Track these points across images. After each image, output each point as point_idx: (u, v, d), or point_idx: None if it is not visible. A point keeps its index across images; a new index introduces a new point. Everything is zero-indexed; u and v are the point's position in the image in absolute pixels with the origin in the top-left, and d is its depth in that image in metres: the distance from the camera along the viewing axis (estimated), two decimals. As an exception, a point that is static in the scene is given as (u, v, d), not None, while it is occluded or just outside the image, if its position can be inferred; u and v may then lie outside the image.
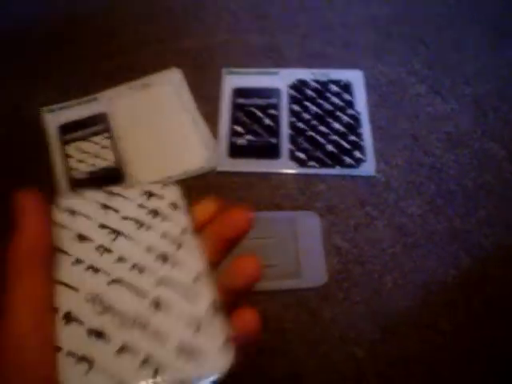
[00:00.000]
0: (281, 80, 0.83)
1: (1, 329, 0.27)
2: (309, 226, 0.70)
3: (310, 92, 0.81)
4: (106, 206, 0.35)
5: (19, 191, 0.31)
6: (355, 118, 0.79)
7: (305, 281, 0.66)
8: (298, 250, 0.67)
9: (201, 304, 0.30)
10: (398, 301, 0.66)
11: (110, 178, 0.73)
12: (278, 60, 0.85)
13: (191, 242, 0.33)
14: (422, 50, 0.86)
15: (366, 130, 0.78)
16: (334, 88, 0.82)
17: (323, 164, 0.75)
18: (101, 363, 0.27)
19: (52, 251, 0.31)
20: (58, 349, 0.27)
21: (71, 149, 0.75)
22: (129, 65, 0.84)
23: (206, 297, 0.31)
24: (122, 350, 0.27)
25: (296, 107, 0.80)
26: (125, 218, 0.34)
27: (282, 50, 0.86)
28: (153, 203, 0.36)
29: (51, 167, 0.74)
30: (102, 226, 0.33)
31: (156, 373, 0.27)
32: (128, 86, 0.81)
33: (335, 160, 0.75)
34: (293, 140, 0.77)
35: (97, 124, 0.77)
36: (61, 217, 0.33)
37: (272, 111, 0.79)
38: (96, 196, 0.36)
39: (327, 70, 0.84)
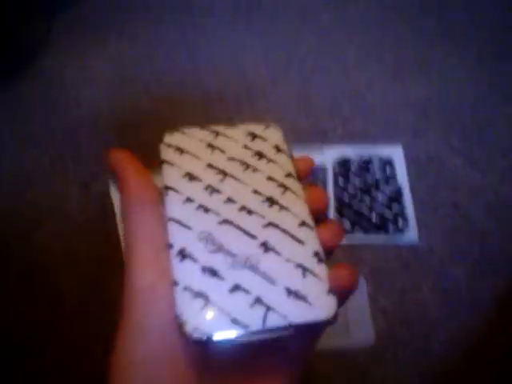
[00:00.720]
0: (326, 157, 0.89)
1: (128, 280, 0.29)
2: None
3: (353, 167, 0.87)
4: (211, 146, 0.35)
5: (111, 149, 0.33)
6: (397, 190, 0.84)
7: (354, 340, 0.69)
8: (347, 311, 0.71)
9: (307, 250, 0.30)
10: (446, 361, 0.67)
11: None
12: (324, 140, 0.92)
13: (295, 187, 0.33)
14: (458, 126, 0.91)
15: (407, 200, 0.82)
16: (376, 163, 0.88)
17: (368, 232, 0.79)
18: (215, 300, 0.27)
19: (158, 193, 0.32)
20: (175, 283, 0.28)
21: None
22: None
23: (311, 243, 0.30)
24: (235, 289, 0.28)
25: (341, 182, 0.86)
26: (231, 159, 0.34)
27: (327, 132, 0.94)
28: (257, 145, 0.35)
29: (119, 234, 0.81)
30: (210, 166, 0.33)
31: (266, 313, 0.27)
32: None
33: (380, 228, 0.80)
34: (339, 212, 0.82)
35: (158, 198, 0.85)
36: (169, 154, 0.34)
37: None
38: (201, 134, 0.36)
39: (369, 146, 0.90)
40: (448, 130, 0.91)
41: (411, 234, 0.78)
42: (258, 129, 0.37)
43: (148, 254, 0.29)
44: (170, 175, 0.33)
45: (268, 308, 0.27)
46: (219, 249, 0.29)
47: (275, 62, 1.05)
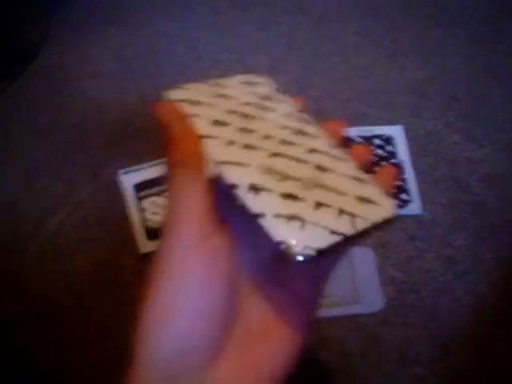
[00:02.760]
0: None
1: (168, 240, 0.30)
2: (364, 259, 0.75)
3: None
4: (222, 95, 0.35)
5: (157, 104, 0.33)
6: (399, 166, 0.87)
7: (364, 307, 0.71)
8: (356, 280, 0.73)
9: (350, 164, 0.33)
10: (454, 323, 0.70)
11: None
12: (324, 122, 0.95)
13: (311, 120, 0.36)
14: (455, 104, 0.95)
15: (409, 175, 0.85)
16: (378, 141, 0.90)
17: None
18: (309, 218, 0.29)
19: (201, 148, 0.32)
20: (260, 215, 0.28)
21: (146, 203, 0.84)
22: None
23: (349, 160, 0.34)
24: (319, 206, 0.29)
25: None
26: (246, 104, 0.35)
27: (327, 114, 0.96)
28: (260, 89, 0.37)
29: (128, 219, 0.83)
30: (231, 112, 0.34)
31: (352, 219, 0.30)
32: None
33: (383, 203, 0.82)
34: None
35: (168, 182, 0.87)
36: (188, 108, 0.34)
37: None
38: (204, 88, 0.36)
39: (370, 127, 0.93)
40: (445, 108, 0.94)
41: (414, 206, 0.81)
42: (250, 78, 0.39)
43: (198, 213, 0.30)
44: (199, 125, 0.33)
45: (352, 215, 0.30)
46: (285, 177, 0.30)
47: (274, 49, 1.08)
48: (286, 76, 1.03)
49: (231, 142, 0.32)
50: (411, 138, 0.90)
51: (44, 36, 1.14)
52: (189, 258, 0.29)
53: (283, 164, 0.31)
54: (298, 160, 0.32)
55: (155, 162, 0.90)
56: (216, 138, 0.32)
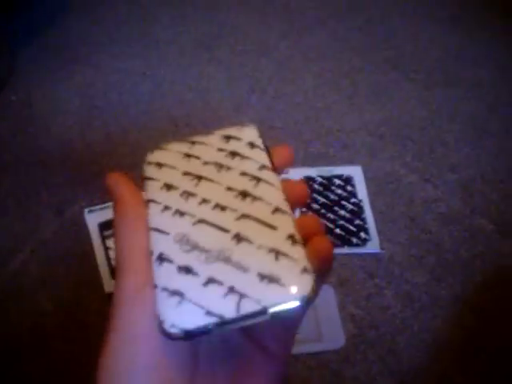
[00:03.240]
0: (290, 177, 0.94)
1: (117, 288, 0.30)
2: (325, 296, 0.78)
3: (316, 186, 0.93)
4: (188, 155, 0.36)
5: (109, 173, 0.36)
6: (358, 205, 0.90)
7: (326, 344, 0.73)
8: (318, 317, 0.75)
9: (280, 234, 0.30)
10: (413, 358, 0.72)
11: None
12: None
13: (269, 177, 0.34)
14: (411, 146, 0.99)
15: (368, 214, 0.89)
16: (338, 181, 0.94)
17: (333, 244, 0.85)
18: (190, 295, 0.28)
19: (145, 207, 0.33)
20: (155, 286, 0.29)
21: (111, 242, 0.85)
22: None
23: (284, 227, 0.31)
24: (209, 282, 0.28)
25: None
26: (206, 164, 0.35)
27: (289, 153, 0.99)
28: (231, 145, 0.36)
29: (93, 258, 0.84)
30: (186, 174, 0.35)
31: (240, 300, 0.27)
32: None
33: (343, 241, 0.85)
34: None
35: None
36: (150, 170, 0.36)
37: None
38: (180, 147, 0.37)
39: (330, 167, 0.96)
40: (402, 149, 0.99)
41: (373, 245, 0.84)
42: (232, 130, 0.38)
43: (138, 262, 0.31)
44: (151, 189, 0.34)
45: (241, 295, 0.28)
46: (194, 247, 0.30)
47: (238, 90, 1.11)
48: (250, 117, 1.06)
49: (167, 208, 0.33)
50: (370, 178, 0.94)
51: (7, 73, 1.15)
52: (131, 309, 0.30)
53: (201, 233, 0.31)
54: (220, 228, 0.31)
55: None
56: (157, 202, 0.33)
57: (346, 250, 0.84)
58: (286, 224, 0.31)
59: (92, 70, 1.17)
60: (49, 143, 1.03)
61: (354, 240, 0.85)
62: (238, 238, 0.31)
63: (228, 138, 0.37)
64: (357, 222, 0.88)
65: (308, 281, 0.28)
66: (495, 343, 0.73)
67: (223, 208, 0.32)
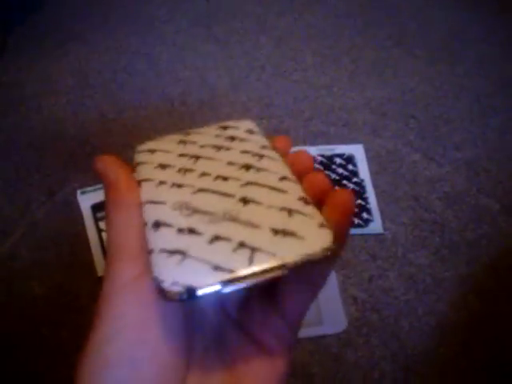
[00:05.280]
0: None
1: (109, 277, 0.28)
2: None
3: (317, 165, 0.90)
4: (183, 141, 0.34)
5: (100, 156, 0.33)
6: (360, 185, 0.87)
7: (327, 328, 0.71)
8: (319, 301, 0.73)
9: (290, 196, 0.29)
10: (416, 342, 0.70)
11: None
12: (286, 141, 0.95)
13: (272, 154, 0.32)
14: (414, 124, 0.96)
15: (370, 194, 0.86)
16: (339, 160, 0.91)
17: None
18: (194, 253, 0.25)
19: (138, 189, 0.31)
20: (150, 251, 0.26)
21: (104, 224, 0.82)
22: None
23: (294, 191, 0.29)
24: (215, 239, 0.26)
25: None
26: (203, 146, 0.33)
27: (289, 132, 0.96)
28: (229, 132, 0.35)
29: (86, 241, 0.81)
30: (182, 155, 0.33)
31: (252, 254, 0.25)
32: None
33: (345, 222, 0.82)
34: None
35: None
36: (141, 156, 0.34)
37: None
38: (173, 137, 0.35)
39: (331, 146, 0.93)
40: (405, 127, 0.96)
41: (376, 225, 0.82)
42: (229, 122, 0.36)
43: (134, 251, 0.29)
44: (143, 170, 0.32)
45: (253, 249, 0.25)
46: (195, 212, 0.28)
47: (236, 68, 1.08)
48: (248, 95, 1.03)
49: (162, 183, 0.31)
50: (372, 157, 0.91)
51: None
52: (123, 300, 0.28)
53: (203, 199, 0.29)
54: (223, 194, 0.29)
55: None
56: (151, 180, 0.31)
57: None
58: (296, 189, 0.29)
59: (86, 49, 1.13)
60: (41, 123, 1.00)
61: (356, 221, 0.83)
62: (245, 200, 0.28)
63: (225, 127, 0.35)
64: (359, 201, 0.85)
65: (327, 233, 0.26)
66: (501, 326, 0.71)
67: (225, 178, 0.30)
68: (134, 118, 1.00)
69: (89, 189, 0.88)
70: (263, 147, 0.33)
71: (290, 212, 0.27)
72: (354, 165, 0.90)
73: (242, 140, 0.34)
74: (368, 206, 0.84)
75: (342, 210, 0.29)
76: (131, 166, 0.34)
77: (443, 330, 0.71)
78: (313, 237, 0.26)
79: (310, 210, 0.28)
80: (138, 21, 1.19)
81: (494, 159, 0.90)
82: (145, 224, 0.28)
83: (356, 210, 0.84)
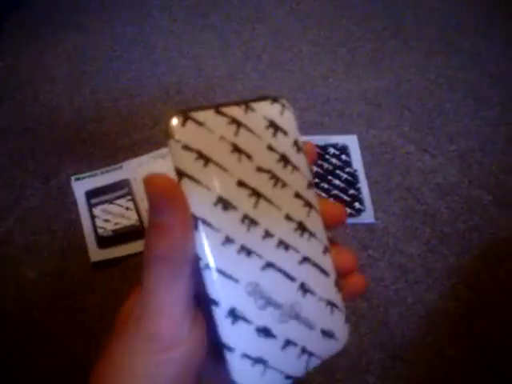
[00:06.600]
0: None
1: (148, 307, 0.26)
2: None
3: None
4: (237, 149, 0.28)
5: (149, 177, 0.26)
6: (353, 175, 0.87)
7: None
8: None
9: (331, 281, 0.31)
10: (404, 331, 0.70)
11: (132, 234, 0.80)
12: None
13: (315, 201, 0.31)
14: (408, 115, 0.96)
15: (363, 184, 0.86)
16: (333, 150, 0.91)
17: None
18: (272, 362, 0.27)
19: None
20: (229, 349, 0.26)
21: (97, 210, 0.83)
22: (146, 139, 0.94)
23: (332, 272, 0.31)
24: (286, 345, 0.28)
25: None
26: (259, 170, 0.29)
27: (283, 122, 0.96)
28: (279, 143, 0.30)
29: (79, 227, 0.81)
30: (242, 184, 0.28)
31: (308, 359, 0.29)
32: (151, 155, 0.90)
33: (337, 211, 0.83)
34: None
35: (121, 189, 0.85)
36: (190, 164, 0.26)
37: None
38: (218, 125, 0.28)
39: (325, 136, 0.93)
40: (399, 119, 0.96)
41: (367, 215, 0.82)
42: (275, 113, 0.31)
43: (172, 317, 0.26)
44: (200, 200, 0.26)
45: (310, 354, 0.29)
46: (267, 302, 0.28)
47: (232, 58, 1.08)
48: (244, 84, 1.03)
49: (229, 240, 0.27)
50: (365, 148, 0.91)
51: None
52: (162, 363, 0.26)
53: (272, 282, 0.28)
54: (287, 276, 0.29)
55: (108, 168, 0.89)
56: (214, 227, 0.26)
57: (339, 220, 0.82)
58: (332, 267, 0.31)
59: (82, 36, 1.13)
60: (36, 110, 1.00)
61: (348, 210, 0.83)
62: (304, 288, 0.30)
63: (274, 127, 0.30)
64: (351, 191, 0.85)
65: (348, 329, 0.31)
66: (489, 317, 0.71)
67: (287, 247, 0.29)
68: (129, 106, 1.00)
69: (83, 175, 0.88)
70: (309, 186, 0.31)
71: (332, 308, 0.31)
72: (348, 155, 0.90)
73: (293, 169, 0.31)
74: (360, 195, 0.85)
75: (356, 296, 0.33)
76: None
77: (432, 319, 0.71)
78: (342, 336, 0.31)
79: (340, 299, 0.31)
80: (135, 9, 1.18)
81: (487, 151, 0.90)
82: (213, 301, 0.26)
83: (348, 199, 0.84)
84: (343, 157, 0.90)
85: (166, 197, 0.25)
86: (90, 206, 0.84)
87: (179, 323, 0.26)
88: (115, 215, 0.82)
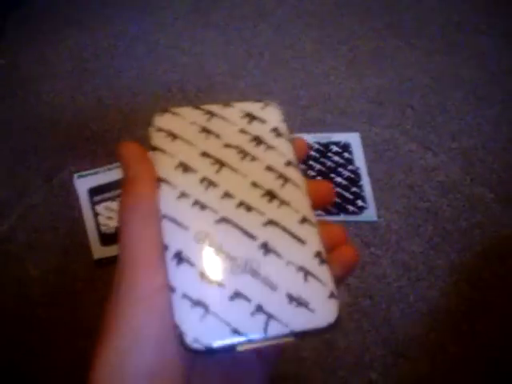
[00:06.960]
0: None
1: (126, 287, 0.27)
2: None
3: (313, 152, 0.91)
4: (206, 130, 0.32)
5: (124, 143, 0.31)
6: (355, 173, 0.87)
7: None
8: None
9: (308, 250, 0.29)
10: (407, 328, 0.71)
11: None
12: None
13: (296, 177, 0.32)
14: (411, 113, 0.96)
15: (365, 182, 0.86)
16: (335, 148, 0.91)
17: (328, 212, 0.82)
18: (215, 309, 0.26)
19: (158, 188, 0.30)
20: (172, 289, 0.27)
21: (100, 208, 0.83)
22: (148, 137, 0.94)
23: (312, 242, 0.29)
24: (235, 296, 0.27)
25: (301, 167, 0.88)
26: (227, 146, 0.32)
27: (286, 121, 0.96)
28: (254, 128, 0.33)
29: (82, 225, 0.81)
30: (205, 154, 0.31)
31: (267, 321, 0.26)
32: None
33: (340, 209, 0.83)
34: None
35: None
36: (161, 140, 0.32)
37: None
38: (194, 115, 0.33)
39: (327, 133, 0.93)
40: (402, 116, 0.96)
41: (370, 213, 0.82)
42: (255, 108, 0.34)
43: (151, 263, 0.28)
44: (163, 165, 0.31)
45: (269, 316, 0.27)
46: (218, 252, 0.28)
47: (234, 55, 1.08)
48: (246, 82, 1.03)
49: (184, 195, 0.30)
50: (368, 145, 0.91)
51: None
52: (142, 312, 0.27)
53: (226, 234, 0.29)
54: (246, 233, 0.29)
55: (111, 166, 0.89)
56: (171, 184, 0.30)
57: (341, 217, 0.82)
58: (314, 238, 0.30)
59: (84, 34, 1.13)
60: (38, 107, 1.00)
61: (351, 208, 0.83)
62: (266, 248, 0.29)
63: (251, 117, 0.34)
64: (353, 189, 0.85)
65: (335, 307, 0.28)
66: (491, 314, 0.72)
67: (249, 208, 0.30)
68: (131, 104, 1.00)
69: (86, 173, 0.88)
70: (288, 163, 0.32)
71: (306, 275, 0.28)
72: (350, 153, 0.90)
73: (267, 148, 0.33)
74: (363, 193, 0.85)
75: (348, 269, 0.30)
76: (145, 145, 0.32)
77: (434, 317, 0.71)
78: (322, 310, 0.27)
79: (324, 272, 0.29)
80: (137, 6, 1.18)
81: (489, 149, 0.91)
82: (166, 247, 0.28)
83: (351, 197, 0.84)
84: (345, 154, 0.90)
85: (135, 155, 0.31)
86: (93, 204, 0.84)
87: (155, 271, 0.27)
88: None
